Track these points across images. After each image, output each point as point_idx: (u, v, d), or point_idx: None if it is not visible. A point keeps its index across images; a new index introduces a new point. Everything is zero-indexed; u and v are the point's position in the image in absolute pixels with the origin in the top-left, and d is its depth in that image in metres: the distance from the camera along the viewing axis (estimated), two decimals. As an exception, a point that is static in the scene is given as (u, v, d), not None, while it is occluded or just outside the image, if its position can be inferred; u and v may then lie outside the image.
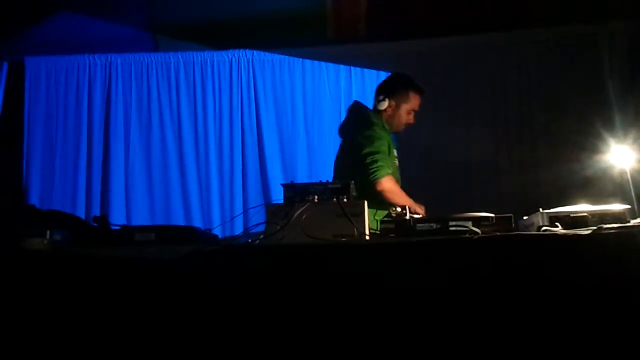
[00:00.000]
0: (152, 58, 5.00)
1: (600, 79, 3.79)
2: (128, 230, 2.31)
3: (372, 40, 4.80)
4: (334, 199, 2.24)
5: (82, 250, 1.99)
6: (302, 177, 4.81)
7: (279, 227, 2.10)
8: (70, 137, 4.92)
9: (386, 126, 3.41)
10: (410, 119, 3.44)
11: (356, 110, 3.53)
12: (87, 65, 4.97)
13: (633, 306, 1.93)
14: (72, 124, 4.92)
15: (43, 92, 4.93)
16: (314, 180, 4.12)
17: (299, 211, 2.14)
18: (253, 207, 2.90)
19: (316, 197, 2.25)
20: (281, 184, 2.31)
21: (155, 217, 4.77)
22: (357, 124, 3.41)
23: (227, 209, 4.84)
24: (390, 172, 3.25)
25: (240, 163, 4.88)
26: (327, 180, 2.37)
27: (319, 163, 4.84)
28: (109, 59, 4.98)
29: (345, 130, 3.56)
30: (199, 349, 1.84)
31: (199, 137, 4.91)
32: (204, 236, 2.35)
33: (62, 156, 4.90)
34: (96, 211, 4.80)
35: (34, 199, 4.76)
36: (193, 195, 4.85)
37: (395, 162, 3.41)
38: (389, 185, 3.20)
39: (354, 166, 3.27)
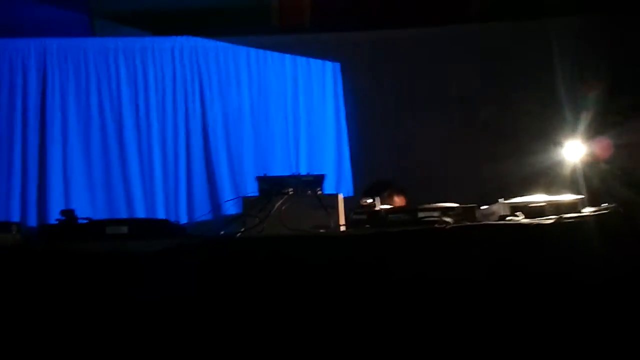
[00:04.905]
0: (90, 43, 4.82)
1: (551, 75, 3.99)
2: (97, 223, 2.25)
3: (317, 31, 4.83)
4: (309, 192, 2.27)
5: (66, 245, 1.93)
6: (248, 167, 4.79)
7: (258, 220, 2.12)
8: (3, 125, 4.66)
9: None
10: None
11: None
12: (20, 49, 4.72)
13: (592, 291, 2.07)
14: (4, 111, 4.66)
15: (-29, 78, 4.66)
16: (260, 170, 4.19)
17: (278, 203, 2.16)
18: (229, 200, 2.89)
19: (291, 189, 2.28)
20: (256, 177, 2.33)
21: (96, 209, 4.63)
22: None
23: (171, 198, 4.75)
24: None
25: (185, 152, 4.79)
26: (299, 173, 2.40)
27: (265, 152, 4.84)
28: (44, 43, 4.75)
29: None
30: (184, 346, 1.84)
31: (141, 126, 4.77)
32: (176, 229, 2.32)
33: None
34: (32, 206, 4.60)
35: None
36: (135, 186, 4.72)
37: None
38: None
39: None
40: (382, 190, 3.68)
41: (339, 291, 1.88)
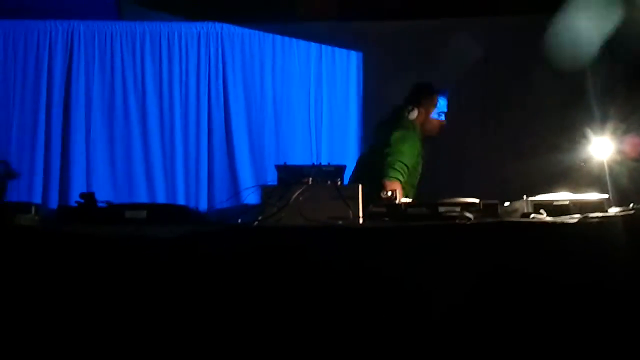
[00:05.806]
0: (117, 27, 4.83)
1: (579, 70, 3.88)
2: (116, 207, 2.25)
3: (343, 20, 4.78)
4: (329, 182, 2.25)
5: (83, 228, 1.93)
6: (269, 154, 4.79)
7: (276, 209, 2.10)
8: (28, 105, 4.71)
9: (418, 132, 3.54)
10: (442, 120, 3.60)
11: (396, 113, 3.60)
12: (48, 30, 4.75)
13: (616, 291, 2.02)
14: (30, 91, 4.71)
15: (0, 56, 4.71)
16: (281, 159, 4.17)
17: (296, 193, 2.14)
18: (247, 188, 2.88)
19: (310, 179, 2.25)
20: (275, 166, 2.31)
21: (117, 191, 4.67)
22: (393, 125, 3.51)
23: (192, 184, 4.77)
24: (401, 179, 3.35)
25: (206, 138, 4.80)
26: (320, 163, 2.38)
27: (286, 140, 4.83)
28: (71, 26, 4.78)
29: (380, 130, 3.63)
30: (196, 333, 1.83)
31: (164, 110, 4.79)
32: (195, 215, 2.32)
33: (19, 126, 4.69)
34: (54, 187, 4.66)
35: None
36: (157, 169, 4.75)
37: (418, 169, 3.51)
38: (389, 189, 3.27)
39: (377, 160, 3.39)
40: (427, 91, 3.59)
41: (353, 284, 1.86)
